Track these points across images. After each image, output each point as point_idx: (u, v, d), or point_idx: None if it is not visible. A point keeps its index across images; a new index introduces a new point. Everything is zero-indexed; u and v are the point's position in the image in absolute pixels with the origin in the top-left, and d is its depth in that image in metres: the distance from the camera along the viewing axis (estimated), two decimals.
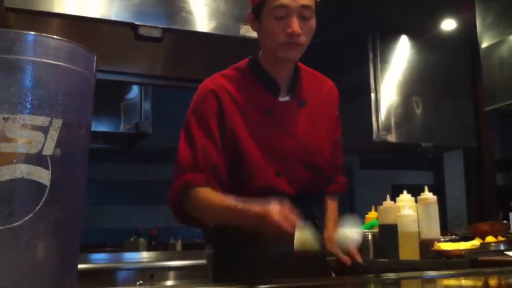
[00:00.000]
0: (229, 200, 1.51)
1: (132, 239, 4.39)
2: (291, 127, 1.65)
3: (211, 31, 2.66)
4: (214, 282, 1.70)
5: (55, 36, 0.71)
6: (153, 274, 2.89)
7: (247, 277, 1.51)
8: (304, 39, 1.59)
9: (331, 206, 1.84)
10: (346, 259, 1.54)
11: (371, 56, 5.11)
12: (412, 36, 5.25)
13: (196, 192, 1.56)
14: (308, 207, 1.66)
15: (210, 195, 1.55)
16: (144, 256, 3.81)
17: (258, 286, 1.31)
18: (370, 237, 2.85)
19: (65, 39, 0.72)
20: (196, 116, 1.62)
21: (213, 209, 1.56)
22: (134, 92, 4.05)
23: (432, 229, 2.71)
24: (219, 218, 1.58)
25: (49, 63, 0.69)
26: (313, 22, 1.61)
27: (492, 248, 2.57)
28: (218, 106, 1.61)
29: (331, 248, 1.59)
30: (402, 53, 5.23)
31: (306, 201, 1.65)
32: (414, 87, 5.20)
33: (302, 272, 1.60)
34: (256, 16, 1.62)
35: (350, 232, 1.57)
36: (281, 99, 1.68)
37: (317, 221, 1.70)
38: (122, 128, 3.98)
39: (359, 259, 1.57)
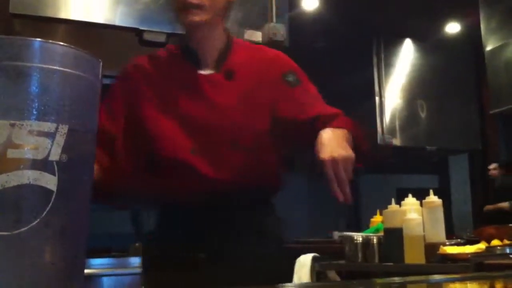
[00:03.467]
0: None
1: (137, 244, 4.39)
2: (214, 101, 1.50)
3: None
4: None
5: (61, 43, 0.72)
6: None
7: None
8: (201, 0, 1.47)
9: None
10: (339, 195, 1.29)
11: (375, 59, 5.12)
12: (416, 39, 5.25)
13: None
14: (250, 204, 1.51)
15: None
16: None
17: None
18: (375, 240, 2.85)
19: (71, 46, 0.72)
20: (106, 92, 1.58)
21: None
22: None
23: (438, 232, 2.70)
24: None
25: (55, 69, 0.70)
26: None
27: (498, 252, 2.56)
28: (126, 84, 1.60)
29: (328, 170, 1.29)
30: (407, 56, 5.23)
31: (248, 195, 1.48)
32: (418, 90, 5.20)
33: (256, 275, 1.45)
34: None
35: None
36: (204, 72, 1.57)
37: (264, 228, 1.54)
38: None
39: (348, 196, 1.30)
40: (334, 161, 1.28)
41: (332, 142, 1.33)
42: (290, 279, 1.63)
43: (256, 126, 1.51)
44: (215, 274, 1.43)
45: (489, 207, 5.73)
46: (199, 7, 1.48)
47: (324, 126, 1.43)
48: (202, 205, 1.47)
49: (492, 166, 5.90)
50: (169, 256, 1.52)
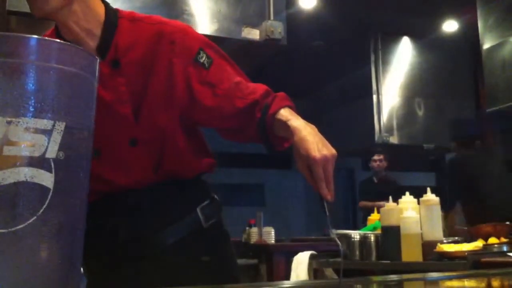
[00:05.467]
0: None
1: None
2: (102, 96, 1.24)
3: (213, 34, 2.66)
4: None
5: (57, 40, 0.72)
6: None
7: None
8: None
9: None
10: (327, 193, 1.21)
11: (373, 57, 5.12)
12: (414, 37, 5.25)
13: None
14: (172, 197, 1.37)
15: None
16: None
17: None
18: (372, 238, 2.85)
19: (68, 43, 0.72)
20: None
21: None
22: None
23: (435, 230, 2.71)
24: None
25: (52, 66, 0.70)
26: None
27: (494, 250, 2.57)
28: None
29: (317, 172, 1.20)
30: (404, 54, 5.23)
31: (165, 189, 1.35)
32: (416, 88, 5.20)
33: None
34: None
35: None
36: None
37: (194, 219, 1.38)
38: None
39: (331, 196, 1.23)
40: (326, 159, 1.21)
41: (316, 138, 1.23)
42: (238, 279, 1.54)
43: (155, 118, 1.31)
44: (141, 276, 1.33)
45: (365, 203, 5.56)
46: None
47: (265, 109, 1.30)
48: (117, 208, 1.35)
49: (376, 157, 5.48)
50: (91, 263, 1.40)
